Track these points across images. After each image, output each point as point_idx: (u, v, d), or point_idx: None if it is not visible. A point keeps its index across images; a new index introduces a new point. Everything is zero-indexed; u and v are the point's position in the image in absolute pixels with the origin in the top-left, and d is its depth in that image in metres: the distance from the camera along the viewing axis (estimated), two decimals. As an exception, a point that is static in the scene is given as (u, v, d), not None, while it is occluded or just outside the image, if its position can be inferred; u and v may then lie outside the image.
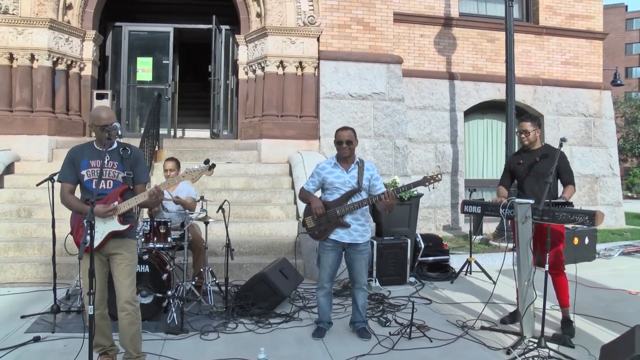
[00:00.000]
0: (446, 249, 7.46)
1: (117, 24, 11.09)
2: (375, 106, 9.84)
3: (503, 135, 11.27)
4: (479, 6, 11.91)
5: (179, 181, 3.66)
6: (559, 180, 4.88)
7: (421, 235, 7.34)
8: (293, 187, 8.59)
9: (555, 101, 11.66)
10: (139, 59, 11.19)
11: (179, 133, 12.24)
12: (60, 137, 9.25)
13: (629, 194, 26.06)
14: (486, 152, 11.81)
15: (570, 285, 4.91)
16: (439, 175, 4.53)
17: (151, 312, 4.88)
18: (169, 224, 5.29)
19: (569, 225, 5.29)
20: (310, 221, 4.66)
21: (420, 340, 4.59)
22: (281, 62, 9.67)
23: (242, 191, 8.49)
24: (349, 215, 4.56)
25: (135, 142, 6.96)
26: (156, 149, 9.19)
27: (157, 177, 7.96)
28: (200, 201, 5.62)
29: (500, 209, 4.64)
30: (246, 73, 10.29)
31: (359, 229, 4.62)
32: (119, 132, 3.65)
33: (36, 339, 4.48)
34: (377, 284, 6.36)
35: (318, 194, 4.80)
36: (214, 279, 5.72)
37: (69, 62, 9.49)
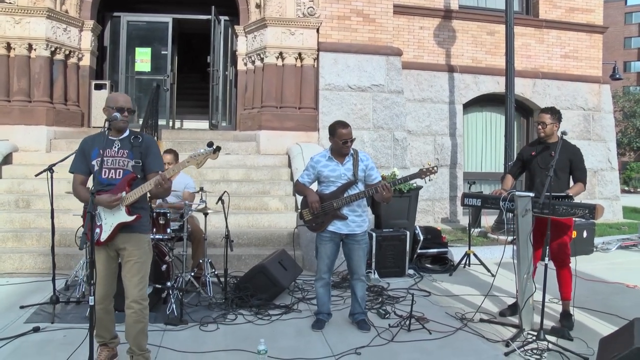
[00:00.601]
0: (445, 242, 7.47)
1: (116, 13, 11.03)
2: (375, 98, 9.82)
3: (502, 129, 11.26)
4: (478, -2, 11.88)
5: (184, 167, 3.58)
6: (571, 177, 4.88)
7: (420, 227, 7.34)
8: (292, 179, 8.58)
9: (554, 94, 11.64)
10: (138, 50, 11.14)
11: (178, 124, 12.19)
12: (58, 127, 9.22)
13: (626, 188, 26.09)
14: (485, 145, 11.81)
15: (568, 279, 4.93)
16: (435, 168, 4.53)
17: (150, 303, 4.79)
18: (168, 214, 5.27)
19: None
20: (308, 214, 4.67)
21: (419, 332, 4.60)
22: (280, 53, 9.63)
23: (240, 182, 8.48)
24: (345, 207, 4.57)
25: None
26: (155, 139, 9.14)
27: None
28: (200, 192, 5.60)
29: (501, 202, 4.64)
30: (245, 64, 10.25)
31: (356, 220, 4.62)
32: (118, 119, 3.53)
33: (36, 329, 4.48)
34: (376, 276, 6.37)
35: (314, 186, 4.80)
36: (213, 270, 5.72)
37: (67, 52, 9.44)
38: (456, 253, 7.48)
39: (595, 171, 11.80)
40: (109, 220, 3.52)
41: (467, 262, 7.23)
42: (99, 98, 9.93)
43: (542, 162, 4.91)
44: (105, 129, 3.54)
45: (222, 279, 5.52)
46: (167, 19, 11.28)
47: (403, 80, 10.21)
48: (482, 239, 8.85)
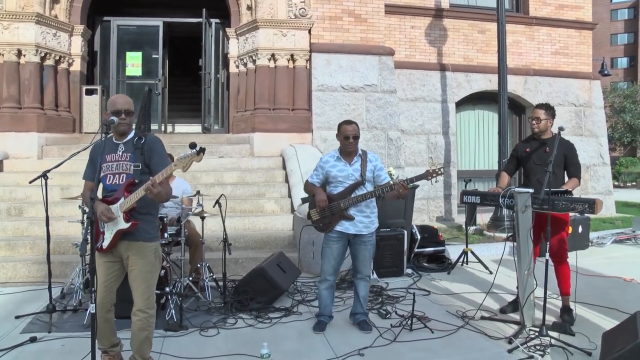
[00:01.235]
0: (442, 240, 7.45)
1: (106, 18, 10.95)
2: (368, 98, 9.81)
3: (494, 126, 11.30)
4: (469, -3, 11.90)
5: (172, 170, 3.47)
6: (565, 172, 4.89)
7: (417, 226, 7.33)
8: (287, 181, 8.55)
9: (546, 91, 11.68)
10: (128, 54, 11.08)
11: (170, 128, 12.14)
12: (49, 133, 9.13)
13: (616, 183, 26.26)
14: (478, 143, 11.83)
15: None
16: (441, 169, 4.50)
17: (150, 309, 4.81)
18: (165, 219, 5.22)
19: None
20: (315, 214, 4.66)
21: (421, 331, 4.57)
22: (272, 55, 9.60)
23: (235, 185, 8.43)
24: (353, 207, 4.55)
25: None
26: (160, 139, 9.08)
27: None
28: (197, 196, 5.55)
29: (500, 199, 4.63)
30: (237, 66, 10.21)
31: (364, 221, 4.60)
32: (115, 123, 3.39)
33: (32, 340, 4.39)
34: (375, 276, 6.33)
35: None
36: (211, 274, 5.67)
37: (57, 58, 9.36)
38: (453, 251, 7.47)
39: (588, 167, 11.85)
40: (110, 227, 3.44)
41: (465, 260, 7.21)
42: (90, 103, 9.87)
43: (538, 158, 4.91)
44: (101, 133, 3.39)
45: (221, 283, 5.48)
46: (158, 22, 11.22)
47: (396, 79, 10.20)
48: (478, 237, 8.85)
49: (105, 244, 3.44)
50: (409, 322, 4.66)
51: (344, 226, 4.58)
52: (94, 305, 2.98)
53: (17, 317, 4.96)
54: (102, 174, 3.48)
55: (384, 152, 9.68)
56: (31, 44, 8.89)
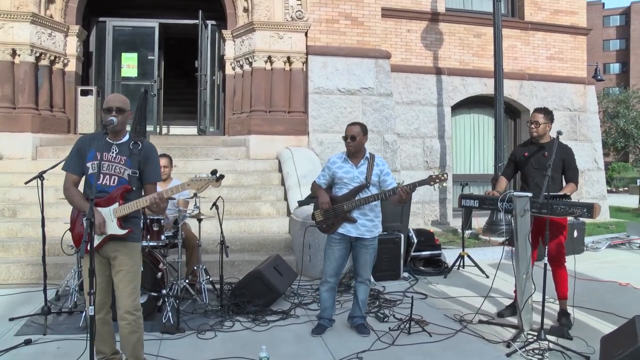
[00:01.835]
0: (438, 244, 7.44)
1: (101, 19, 10.90)
2: (364, 101, 9.80)
3: (490, 130, 11.36)
4: (465, 1, 11.95)
5: (183, 189, 3.44)
6: (563, 176, 4.90)
7: (414, 230, 7.32)
8: (283, 184, 8.52)
9: (541, 96, 11.73)
10: (124, 55, 11.02)
11: (165, 130, 12.09)
12: (44, 134, 9.06)
13: (608, 188, 26.40)
14: (473, 147, 11.86)
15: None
16: (445, 175, 4.49)
17: (146, 312, 4.72)
18: (162, 221, 5.18)
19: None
20: (319, 215, 4.66)
21: (419, 335, 4.57)
22: (269, 57, 9.58)
23: (231, 188, 8.39)
24: (356, 210, 4.54)
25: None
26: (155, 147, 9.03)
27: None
28: (194, 198, 5.52)
29: (499, 203, 4.63)
30: (233, 68, 10.18)
31: (366, 224, 4.59)
32: (114, 124, 3.35)
33: (27, 342, 4.34)
34: (372, 279, 6.31)
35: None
36: (208, 276, 5.63)
37: (52, 58, 9.29)
38: (449, 255, 7.47)
39: (582, 171, 11.86)
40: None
41: (461, 264, 7.22)
42: (85, 104, 9.81)
43: (536, 162, 4.92)
44: (101, 133, 3.36)
45: (217, 286, 5.45)
46: (154, 24, 11.17)
47: (392, 83, 10.21)
48: (474, 241, 8.85)
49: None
50: (407, 325, 4.65)
51: (346, 228, 4.58)
52: (93, 307, 2.92)
53: (11, 320, 4.91)
54: (90, 172, 3.38)
55: (380, 155, 9.60)
56: (26, 43, 8.83)
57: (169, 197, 3.43)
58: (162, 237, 5.18)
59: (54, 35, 9.30)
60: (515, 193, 4.59)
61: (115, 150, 3.45)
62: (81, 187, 3.53)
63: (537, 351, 4.13)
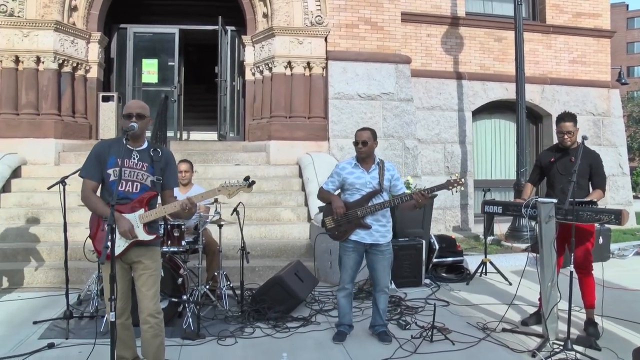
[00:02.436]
0: (460, 250, 7.36)
1: (122, 25, 11.00)
2: (384, 106, 9.75)
3: (511, 135, 11.22)
4: (485, 5, 11.85)
5: (214, 195, 3.44)
6: (590, 183, 4.80)
7: (435, 236, 7.25)
8: (303, 189, 8.50)
9: (563, 100, 11.56)
10: (145, 61, 11.10)
11: (185, 135, 12.15)
12: (66, 140, 9.16)
13: (634, 194, 25.95)
14: (494, 152, 11.73)
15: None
16: (462, 180, 4.46)
17: (167, 317, 4.74)
18: (182, 227, 5.18)
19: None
20: (330, 221, 4.59)
21: (442, 343, 4.49)
22: (289, 62, 9.58)
23: (252, 193, 8.29)
24: (369, 216, 4.48)
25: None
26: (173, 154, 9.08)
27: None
28: (215, 204, 5.51)
29: (523, 209, 4.54)
30: (253, 74, 10.20)
31: (380, 230, 4.53)
32: (135, 130, 3.36)
33: (50, 346, 4.39)
34: (393, 286, 6.25)
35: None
36: (228, 282, 5.62)
37: (74, 64, 9.40)
38: (471, 261, 7.38)
39: (607, 177, 11.50)
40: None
41: (484, 271, 7.12)
42: (107, 110, 9.90)
43: (562, 168, 4.82)
44: (123, 139, 3.37)
45: (237, 292, 5.43)
46: (174, 30, 11.24)
47: (412, 88, 10.14)
48: (496, 247, 8.73)
49: (117, 252, 3.33)
50: (430, 333, 4.58)
51: (359, 235, 4.51)
52: (114, 313, 2.92)
53: (34, 323, 4.97)
54: (112, 178, 3.37)
55: (401, 160, 9.62)
56: (49, 50, 8.94)
57: (198, 202, 3.44)
58: (183, 242, 5.18)
59: (76, 42, 9.41)
60: (540, 199, 4.51)
61: (137, 157, 3.45)
62: (98, 193, 3.53)
63: (563, 361, 4.05)
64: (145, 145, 3.53)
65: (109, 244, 2.91)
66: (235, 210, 5.36)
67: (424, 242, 6.73)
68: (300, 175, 8.92)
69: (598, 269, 4.79)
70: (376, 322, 4.69)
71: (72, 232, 6.79)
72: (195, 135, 12.46)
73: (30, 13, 8.91)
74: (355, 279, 4.72)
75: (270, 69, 9.70)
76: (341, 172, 4.63)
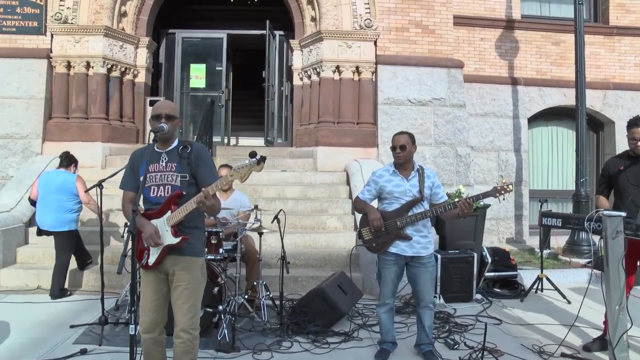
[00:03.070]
0: (514, 264, 6.92)
1: (171, 30, 11.07)
2: (436, 112, 9.40)
3: (569, 144, 10.68)
4: (542, 7, 11.31)
5: (227, 182, 3.19)
6: None
7: (487, 249, 6.84)
8: (350, 197, 8.23)
9: (628, 106, 10.87)
10: (192, 66, 11.12)
11: (232, 141, 12.10)
12: (113, 143, 9.21)
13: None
14: (551, 161, 11.14)
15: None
16: (510, 186, 4.09)
17: (202, 327, 4.53)
18: (220, 234, 5.00)
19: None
20: (368, 233, 4.28)
21: (494, 366, 4.15)
22: (337, 67, 9.36)
23: (297, 200, 8.20)
24: (409, 226, 4.17)
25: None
26: (205, 147, 9.03)
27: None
28: (255, 210, 5.33)
29: (586, 222, 4.14)
30: (301, 79, 10.04)
31: (421, 241, 4.20)
32: (165, 131, 3.19)
33: (83, 352, 4.35)
34: (442, 301, 5.92)
35: (374, 203, 4.42)
36: (268, 292, 5.42)
37: (122, 69, 9.47)
38: (526, 276, 6.95)
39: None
40: None
41: (539, 287, 6.67)
42: (154, 115, 9.92)
43: (633, 177, 4.39)
44: (150, 141, 3.21)
45: (277, 302, 5.22)
46: (222, 35, 11.22)
47: (465, 93, 9.76)
48: (552, 261, 8.21)
49: (151, 261, 3.21)
50: (480, 355, 4.22)
51: (399, 247, 4.19)
52: (134, 326, 2.73)
53: (71, 327, 4.97)
54: (144, 186, 3.25)
55: (453, 169, 9.24)
56: (99, 55, 9.03)
57: (214, 194, 3.15)
58: (221, 250, 5.00)
59: (125, 47, 9.48)
60: (606, 212, 4.09)
61: (165, 159, 3.29)
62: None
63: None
64: (174, 145, 3.34)
65: (129, 252, 2.73)
66: (276, 217, 5.15)
67: (475, 254, 6.35)
68: (348, 183, 8.66)
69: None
70: (422, 340, 4.37)
71: (116, 236, 6.81)
72: (243, 141, 12.40)
73: (82, 19, 9.03)
74: (396, 293, 4.40)
75: (318, 74, 9.51)
76: (378, 179, 4.33)
